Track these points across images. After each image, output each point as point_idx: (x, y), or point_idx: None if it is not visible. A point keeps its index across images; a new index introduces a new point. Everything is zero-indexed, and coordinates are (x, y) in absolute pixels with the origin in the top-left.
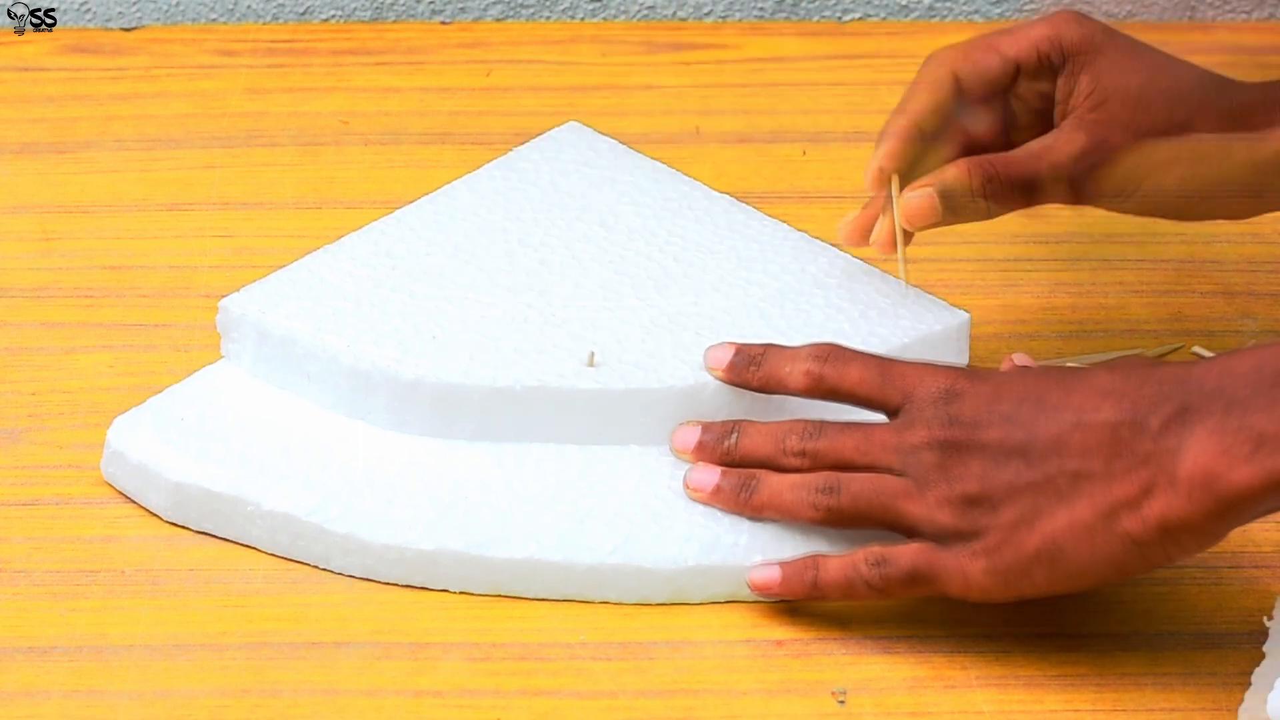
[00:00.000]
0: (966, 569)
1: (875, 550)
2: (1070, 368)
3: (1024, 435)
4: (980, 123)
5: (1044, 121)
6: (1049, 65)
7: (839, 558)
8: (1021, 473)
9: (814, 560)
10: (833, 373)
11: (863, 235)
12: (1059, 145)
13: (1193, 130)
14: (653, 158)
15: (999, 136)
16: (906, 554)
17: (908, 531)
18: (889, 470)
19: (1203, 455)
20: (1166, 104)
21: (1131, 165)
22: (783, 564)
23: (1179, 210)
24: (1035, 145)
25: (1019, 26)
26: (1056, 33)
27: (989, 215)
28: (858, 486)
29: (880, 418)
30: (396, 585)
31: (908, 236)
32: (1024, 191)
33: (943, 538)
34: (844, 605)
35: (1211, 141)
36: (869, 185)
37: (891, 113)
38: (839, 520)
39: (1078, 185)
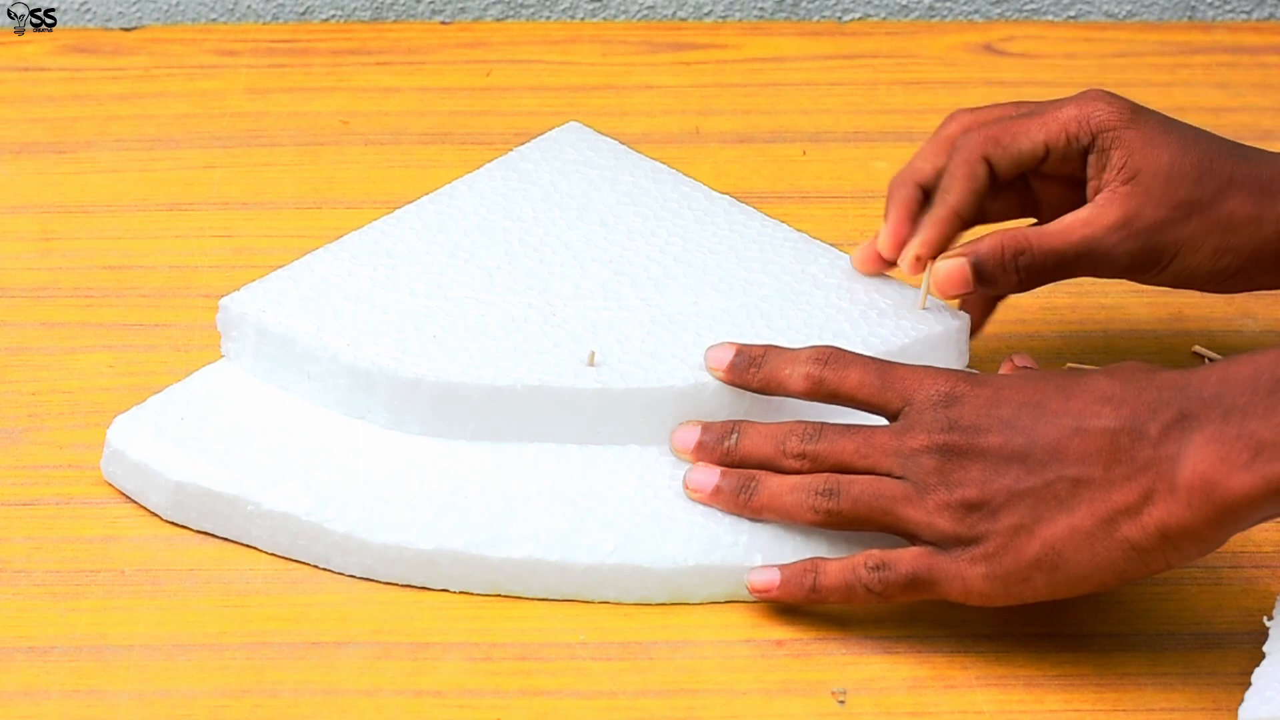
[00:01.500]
0: (966, 574)
1: (875, 554)
2: (1069, 371)
3: (1024, 441)
4: (1000, 198)
5: (1065, 190)
6: (1078, 146)
7: (838, 561)
8: (1021, 479)
9: (813, 564)
10: (832, 376)
11: (874, 264)
12: (1092, 219)
13: (1223, 202)
14: (653, 158)
15: (1016, 208)
16: (906, 559)
17: (907, 536)
18: (888, 474)
19: (1201, 462)
20: (1198, 176)
21: (1166, 240)
22: (782, 567)
23: (1213, 283)
24: (1069, 220)
25: (1047, 108)
26: (1084, 113)
27: (1021, 289)
28: (857, 490)
29: (880, 419)
30: (396, 585)
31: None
32: (1056, 266)
33: (942, 543)
34: (844, 605)
35: (1245, 209)
36: (905, 270)
37: (937, 195)
38: (838, 523)
39: (1111, 259)
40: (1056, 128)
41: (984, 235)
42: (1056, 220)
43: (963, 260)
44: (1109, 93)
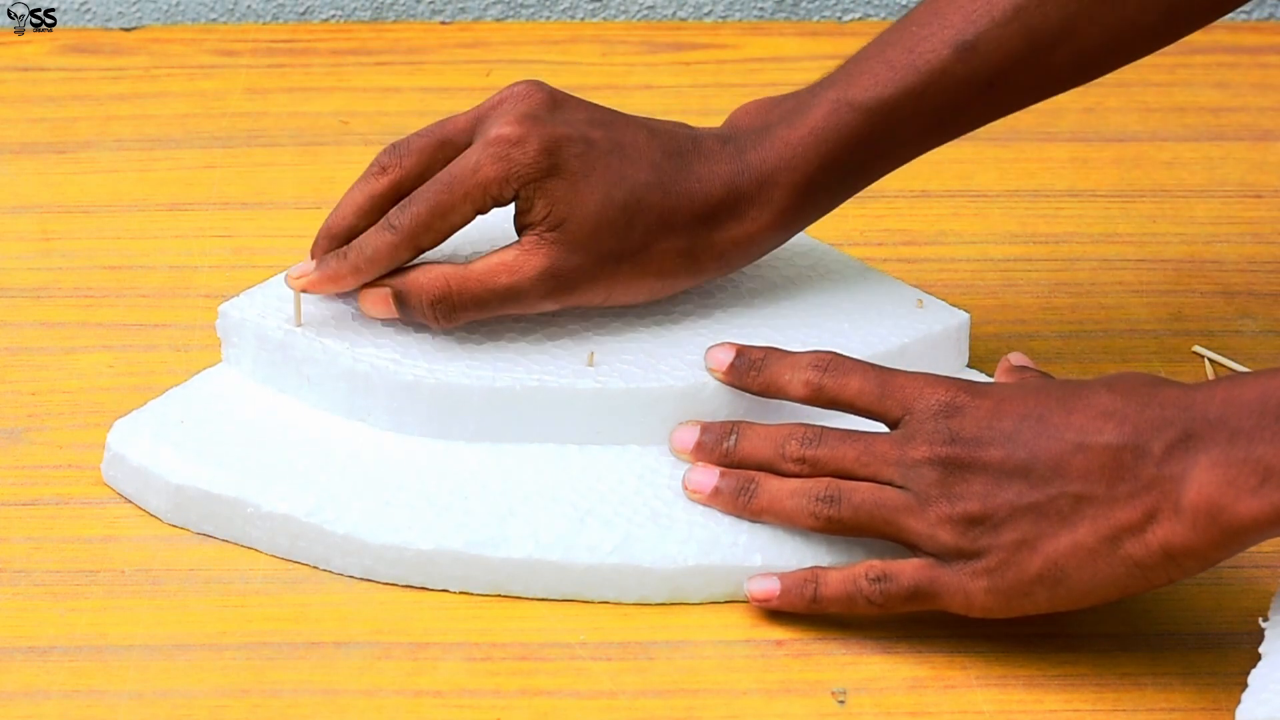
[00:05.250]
0: (968, 588)
1: (876, 566)
2: (1069, 382)
3: (1026, 455)
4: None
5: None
6: (507, 199)
7: (839, 571)
8: (1023, 493)
9: (813, 574)
10: (832, 383)
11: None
12: (517, 267)
13: (654, 244)
14: None
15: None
16: (908, 571)
17: (908, 545)
18: (889, 483)
19: (1208, 486)
20: (626, 222)
21: (596, 285)
22: (782, 577)
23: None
24: (494, 262)
25: (462, 171)
26: (504, 174)
27: (443, 326)
28: (859, 498)
29: (880, 425)
30: (396, 585)
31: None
32: (478, 308)
33: (944, 555)
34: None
35: (677, 247)
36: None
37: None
38: (838, 529)
39: (536, 304)
40: (479, 194)
41: (416, 269)
42: (484, 259)
43: (386, 291)
44: (520, 123)
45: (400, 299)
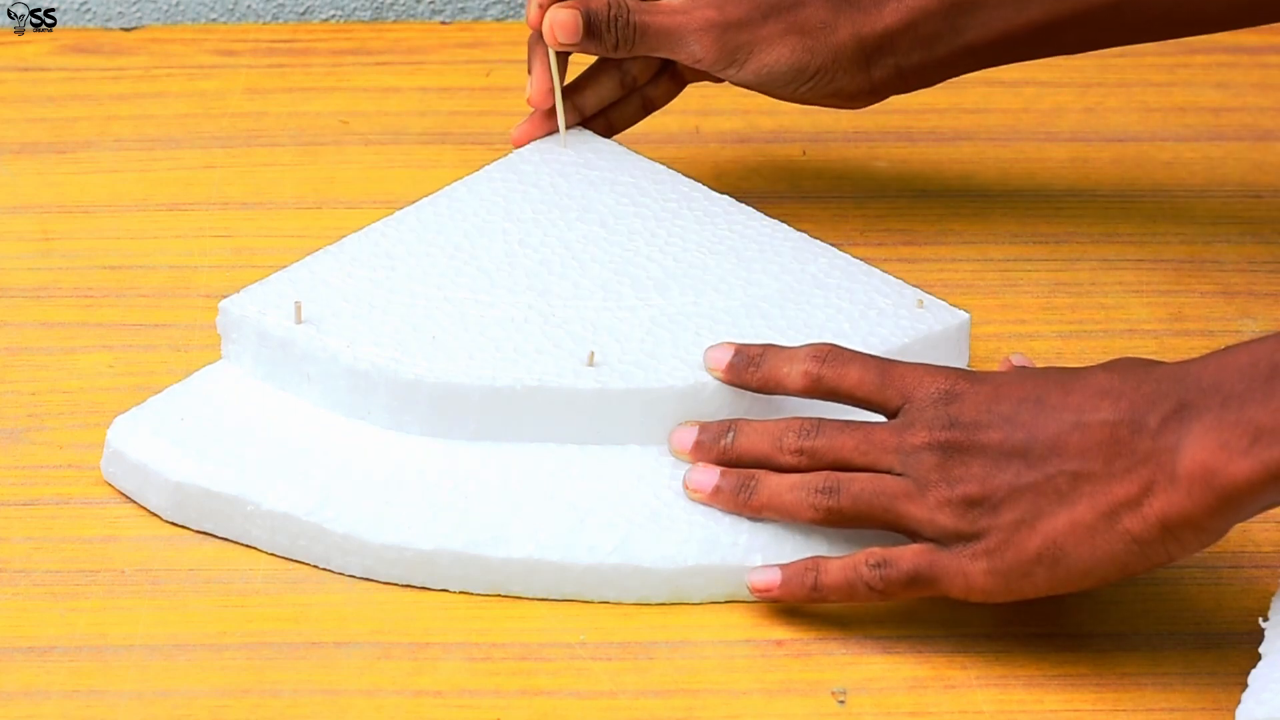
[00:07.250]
0: (968, 570)
1: (876, 552)
2: (1068, 368)
3: (1024, 436)
4: None
5: None
6: None
7: (839, 560)
8: (1022, 474)
9: (814, 563)
10: (831, 373)
11: (531, 135)
12: (687, 10)
13: (799, 8)
14: (653, 158)
15: None
16: (907, 555)
17: (908, 532)
18: (889, 471)
19: (1201, 451)
20: None
21: (743, 38)
22: (783, 567)
23: (795, 83)
24: (668, 5)
25: None
26: None
27: (617, 52)
28: (858, 487)
29: (878, 417)
30: (396, 585)
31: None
32: (644, 40)
33: (944, 539)
34: (844, 605)
35: (820, 15)
36: (530, 23)
37: None
38: (839, 520)
39: (691, 51)
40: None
41: None
42: (665, 1)
43: (575, 11)
44: None
45: (589, 15)
